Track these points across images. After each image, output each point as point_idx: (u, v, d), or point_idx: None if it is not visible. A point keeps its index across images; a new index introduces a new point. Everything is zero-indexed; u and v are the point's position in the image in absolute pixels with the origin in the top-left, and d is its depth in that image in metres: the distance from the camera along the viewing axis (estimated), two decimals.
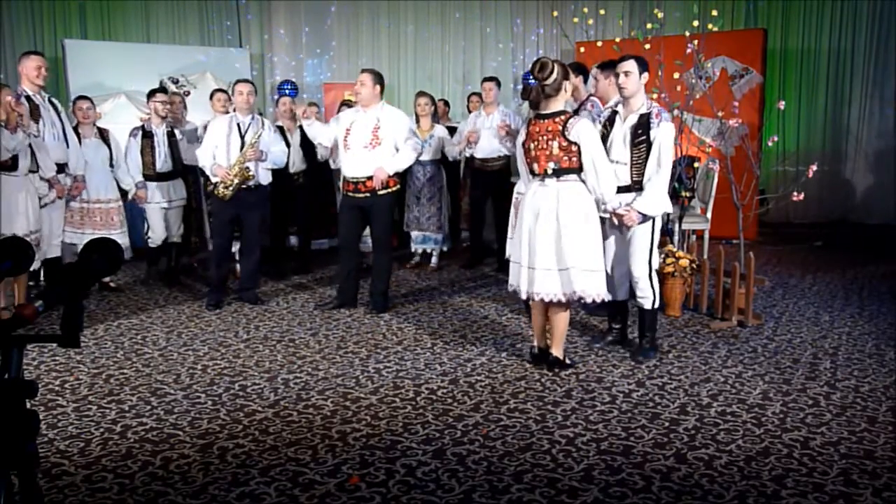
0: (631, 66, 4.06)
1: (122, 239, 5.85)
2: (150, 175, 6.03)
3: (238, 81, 5.56)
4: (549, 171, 3.90)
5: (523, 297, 4.11)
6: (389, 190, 5.25)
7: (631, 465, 2.95)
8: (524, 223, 4.02)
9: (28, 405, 1.49)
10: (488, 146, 6.53)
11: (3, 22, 8.78)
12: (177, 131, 6.22)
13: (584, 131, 3.85)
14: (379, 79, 5.18)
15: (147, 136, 6.04)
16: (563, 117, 3.89)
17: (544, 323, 4.15)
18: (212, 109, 6.48)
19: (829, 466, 2.93)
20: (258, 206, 5.50)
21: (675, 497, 2.70)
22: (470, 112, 7.44)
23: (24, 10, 8.99)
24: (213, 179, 5.35)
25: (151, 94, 6.19)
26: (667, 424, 3.34)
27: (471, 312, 5.37)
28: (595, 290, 3.93)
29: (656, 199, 4.06)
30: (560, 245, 3.89)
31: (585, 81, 5.11)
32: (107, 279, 5.90)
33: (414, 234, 6.87)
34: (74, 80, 8.37)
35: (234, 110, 5.58)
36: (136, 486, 2.79)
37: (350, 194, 5.26)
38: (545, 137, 3.89)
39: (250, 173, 5.31)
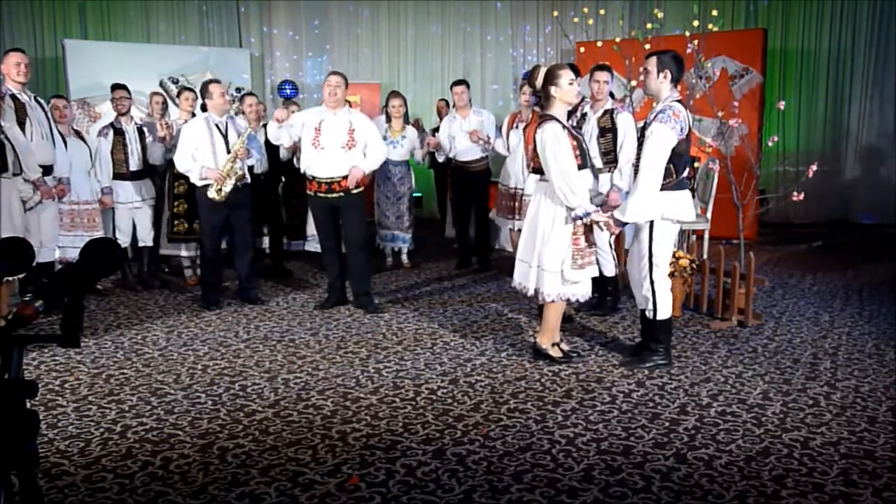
0: (650, 64, 3.90)
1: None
2: (124, 173, 5.90)
3: (211, 82, 5.45)
4: (531, 170, 4.18)
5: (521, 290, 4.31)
6: (361, 189, 5.28)
7: (631, 465, 2.95)
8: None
9: (28, 405, 1.49)
10: (466, 148, 6.51)
11: (3, 22, 8.78)
12: (145, 129, 6.06)
13: (541, 134, 3.90)
14: (347, 82, 5.24)
15: (118, 133, 5.91)
16: (540, 120, 3.99)
17: None
18: (179, 109, 6.31)
19: (829, 466, 2.93)
20: (246, 204, 5.45)
21: (675, 497, 2.70)
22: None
23: (24, 10, 9.00)
24: (203, 183, 5.25)
25: (113, 89, 6.05)
26: (667, 424, 3.34)
27: (471, 312, 5.37)
28: (554, 290, 4.02)
29: (631, 205, 3.84)
30: (531, 241, 4.07)
31: None
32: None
33: (382, 232, 6.87)
34: (74, 80, 8.38)
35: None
36: (136, 486, 2.79)
37: (321, 195, 5.21)
38: (531, 138, 4.09)
39: (241, 171, 5.30)
